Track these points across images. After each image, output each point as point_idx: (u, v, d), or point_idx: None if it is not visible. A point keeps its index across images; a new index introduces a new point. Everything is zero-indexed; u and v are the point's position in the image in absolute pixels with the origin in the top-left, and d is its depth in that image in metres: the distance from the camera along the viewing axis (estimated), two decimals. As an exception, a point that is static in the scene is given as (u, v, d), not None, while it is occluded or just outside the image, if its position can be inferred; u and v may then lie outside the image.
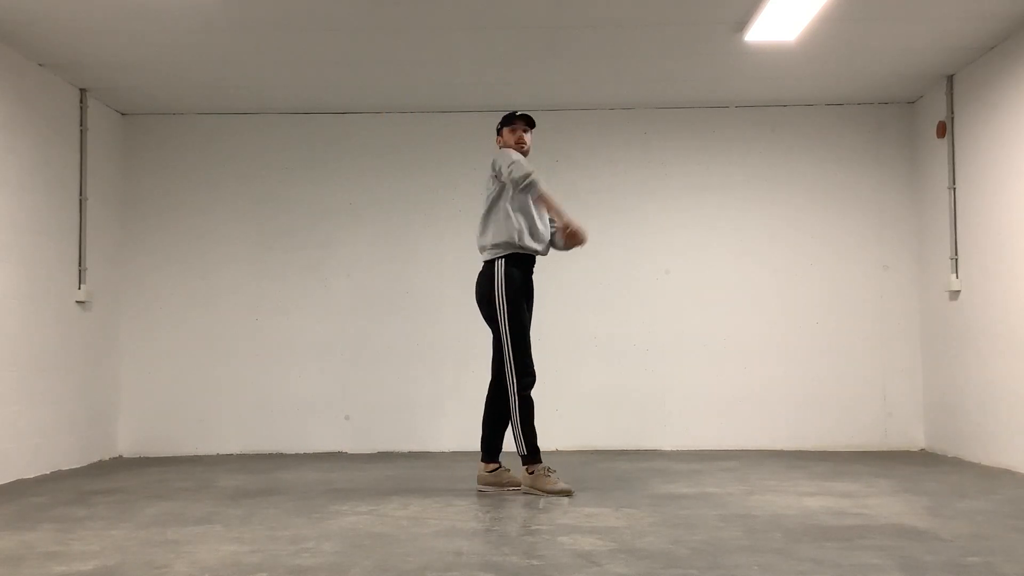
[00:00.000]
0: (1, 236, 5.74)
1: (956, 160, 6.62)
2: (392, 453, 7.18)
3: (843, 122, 7.37)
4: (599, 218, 7.37)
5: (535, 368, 5.15)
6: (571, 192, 7.34)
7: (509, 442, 5.16)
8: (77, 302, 6.61)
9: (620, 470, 6.02)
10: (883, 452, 7.04)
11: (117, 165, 7.29)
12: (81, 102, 6.74)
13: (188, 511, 4.59)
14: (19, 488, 5.49)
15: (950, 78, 6.68)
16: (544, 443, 7.19)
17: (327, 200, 7.41)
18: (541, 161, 7.44)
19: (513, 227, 5.07)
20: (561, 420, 7.20)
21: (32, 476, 5.97)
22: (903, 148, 7.34)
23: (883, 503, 4.66)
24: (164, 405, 7.29)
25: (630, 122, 7.41)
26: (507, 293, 5.04)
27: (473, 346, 7.07)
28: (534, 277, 5.29)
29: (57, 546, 3.79)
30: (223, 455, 7.19)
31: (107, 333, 7.08)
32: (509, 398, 5.05)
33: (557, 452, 7.02)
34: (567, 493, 4.96)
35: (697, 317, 7.29)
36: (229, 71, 6.47)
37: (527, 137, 5.25)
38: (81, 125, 6.73)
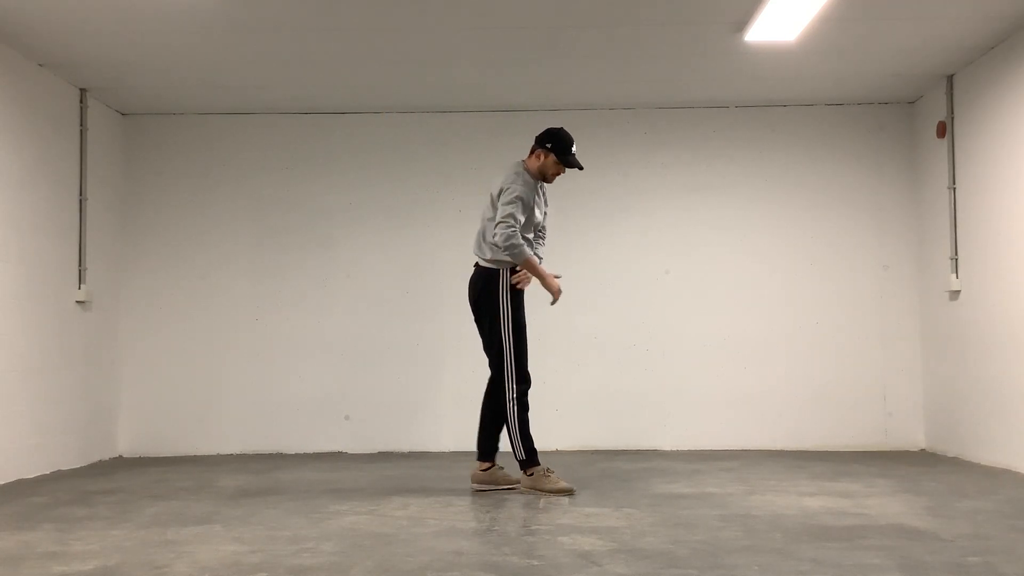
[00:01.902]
0: (1, 236, 5.74)
1: (956, 160, 6.62)
2: (392, 453, 7.17)
3: (843, 122, 7.37)
4: (599, 218, 7.37)
5: (530, 374, 5.15)
6: (571, 192, 7.35)
7: (505, 443, 5.17)
8: (77, 302, 6.61)
9: (620, 470, 6.02)
10: (883, 452, 7.04)
11: (117, 165, 7.29)
12: (81, 102, 6.74)
13: (188, 511, 4.59)
14: (19, 488, 5.49)
15: (950, 78, 6.68)
16: (544, 443, 7.18)
17: (327, 200, 7.41)
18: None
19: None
20: (561, 420, 7.19)
21: (32, 476, 5.96)
22: (903, 148, 7.34)
23: (883, 503, 4.66)
24: (164, 405, 7.29)
25: (630, 122, 7.41)
26: (513, 304, 5.08)
27: (473, 346, 7.01)
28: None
29: (57, 546, 3.79)
30: (223, 455, 7.19)
31: (107, 333, 7.08)
32: (506, 403, 5.05)
33: (557, 452, 7.01)
34: (568, 492, 4.97)
35: (697, 317, 7.29)
36: (229, 71, 6.47)
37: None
38: (81, 125, 6.73)
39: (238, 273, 7.39)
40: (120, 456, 7.23)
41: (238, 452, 7.26)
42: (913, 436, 7.21)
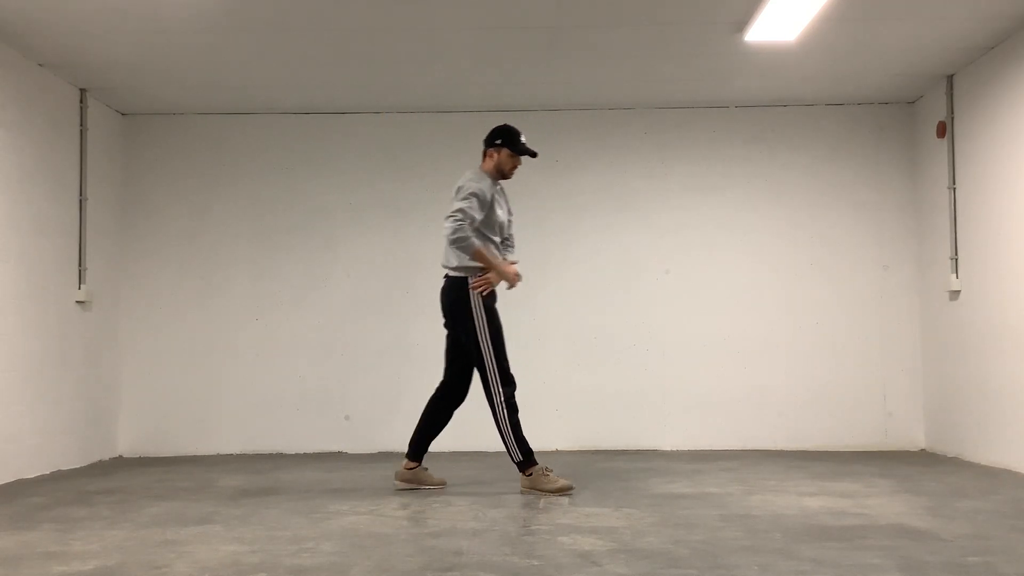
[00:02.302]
0: (1, 236, 5.74)
1: (956, 160, 6.62)
2: (392, 453, 7.17)
3: (843, 122, 7.37)
4: (599, 218, 7.37)
5: (513, 375, 5.16)
6: (571, 192, 7.37)
7: (437, 445, 5.30)
8: (77, 302, 6.61)
9: (620, 470, 6.02)
10: (883, 452, 7.04)
11: (117, 165, 7.29)
12: (81, 102, 6.74)
13: (188, 511, 4.59)
14: (19, 488, 5.49)
15: (950, 78, 6.68)
16: (544, 443, 7.20)
17: (327, 200, 7.41)
18: (541, 161, 7.45)
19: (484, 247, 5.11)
20: (561, 420, 7.20)
21: (32, 476, 5.96)
22: (903, 148, 7.34)
23: (883, 503, 4.66)
24: (164, 405, 7.29)
25: (630, 122, 7.41)
26: (486, 308, 5.09)
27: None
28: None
29: (57, 546, 3.79)
30: (223, 455, 7.19)
31: (107, 333, 7.08)
32: (495, 408, 5.06)
33: (557, 452, 7.02)
34: (568, 490, 4.98)
35: (697, 317, 7.29)
36: (229, 71, 6.47)
37: (519, 165, 5.28)
38: (81, 125, 6.73)
39: (238, 273, 7.39)
40: (120, 456, 7.23)
41: (238, 452, 7.26)
42: (913, 436, 7.21)
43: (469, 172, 5.19)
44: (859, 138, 7.36)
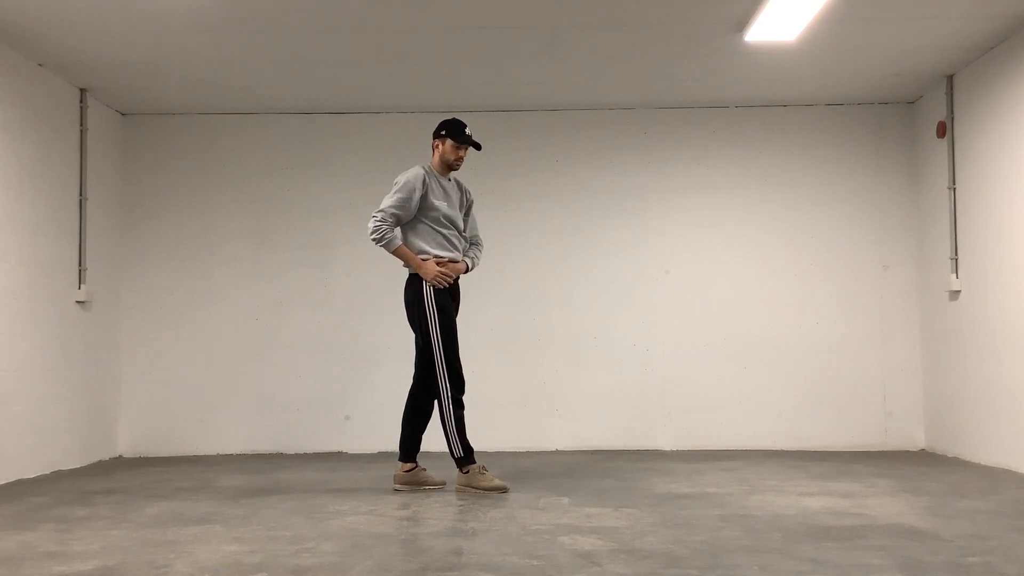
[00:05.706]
0: (1, 236, 5.74)
1: (956, 160, 6.62)
2: (392, 453, 7.15)
3: (843, 122, 7.37)
4: (599, 218, 7.37)
5: (464, 373, 5.20)
6: (571, 192, 7.37)
7: (432, 443, 5.27)
8: (77, 302, 6.61)
9: (620, 470, 6.02)
10: (883, 452, 7.04)
11: (117, 165, 7.29)
12: (81, 102, 6.74)
13: (188, 511, 4.59)
14: (19, 488, 5.49)
15: (950, 78, 6.68)
16: (544, 443, 7.21)
17: (327, 200, 7.41)
18: (542, 161, 7.47)
19: (431, 239, 5.14)
20: (561, 420, 7.20)
21: (32, 476, 5.96)
22: (903, 148, 7.34)
23: (883, 503, 4.66)
24: (164, 405, 7.29)
25: (630, 122, 7.41)
26: (437, 305, 5.09)
27: (471, 346, 7.06)
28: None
29: (57, 546, 3.79)
30: (223, 455, 7.19)
31: (107, 333, 7.08)
32: (442, 404, 5.10)
33: (557, 452, 7.02)
34: (503, 489, 5.05)
35: (697, 317, 7.29)
36: (229, 71, 6.47)
37: (464, 156, 5.29)
38: (81, 125, 6.73)
39: (238, 273, 7.39)
40: (120, 456, 7.23)
41: (238, 452, 7.26)
42: (913, 436, 7.21)
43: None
44: (859, 138, 7.36)
